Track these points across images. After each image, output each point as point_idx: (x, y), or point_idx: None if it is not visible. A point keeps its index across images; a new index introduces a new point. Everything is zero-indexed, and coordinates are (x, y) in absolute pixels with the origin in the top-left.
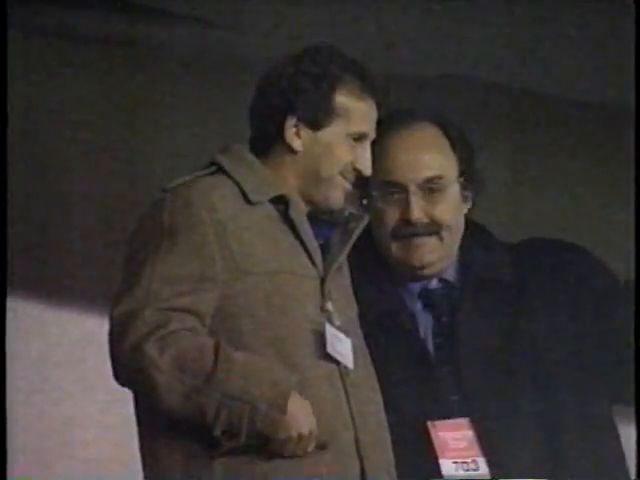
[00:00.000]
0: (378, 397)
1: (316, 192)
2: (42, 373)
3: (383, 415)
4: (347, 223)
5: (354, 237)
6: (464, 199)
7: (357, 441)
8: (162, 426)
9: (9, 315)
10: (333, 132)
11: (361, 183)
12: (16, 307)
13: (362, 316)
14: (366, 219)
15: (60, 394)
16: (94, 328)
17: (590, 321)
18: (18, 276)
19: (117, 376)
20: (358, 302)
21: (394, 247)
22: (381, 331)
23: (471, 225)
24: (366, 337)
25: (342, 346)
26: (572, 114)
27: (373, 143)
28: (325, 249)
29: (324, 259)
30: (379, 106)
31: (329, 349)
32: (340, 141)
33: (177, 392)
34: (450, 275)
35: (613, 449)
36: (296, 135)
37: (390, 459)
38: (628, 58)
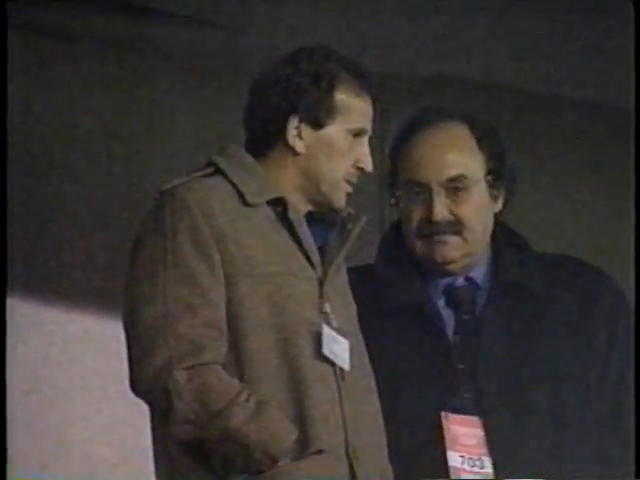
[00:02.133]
0: (374, 398)
1: (318, 193)
2: (39, 372)
3: (380, 416)
4: (345, 224)
5: (352, 238)
6: (493, 198)
7: (347, 443)
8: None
9: (8, 314)
10: (334, 130)
11: (390, 182)
12: (14, 306)
13: (387, 304)
14: (364, 220)
15: (57, 393)
16: (91, 327)
17: (608, 348)
18: (16, 276)
19: (135, 386)
20: (385, 291)
21: (418, 245)
22: (405, 321)
23: (507, 231)
24: (389, 326)
25: (338, 348)
26: (571, 115)
27: (400, 142)
28: (323, 251)
29: (322, 261)
30: (374, 102)
31: (325, 350)
32: (341, 138)
33: (188, 421)
34: (477, 275)
35: (619, 453)
36: (298, 136)
37: (385, 459)
38: (628, 58)
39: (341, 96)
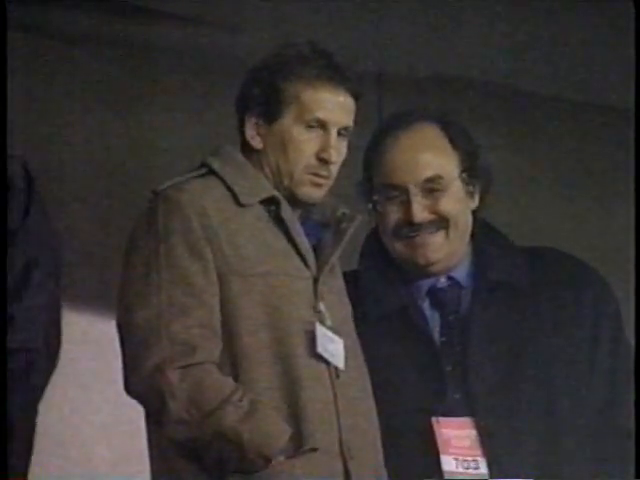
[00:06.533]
0: (369, 397)
1: (284, 187)
2: None
3: (374, 416)
4: (339, 223)
5: (346, 237)
6: (469, 195)
7: (341, 442)
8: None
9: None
10: (287, 122)
11: (366, 188)
12: None
13: (372, 311)
14: (358, 219)
15: (55, 394)
16: (89, 328)
17: (594, 339)
18: None
19: (129, 387)
20: (369, 297)
21: (398, 246)
22: (391, 326)
23: (486, 227)
24: (375, 331)
25: (333, 346)
26: (570, 115)
27: (373, 147)
28: (318, 250)
29: (317, 260)
30: (355, 95)
31: (319, 349)
32: (295, 130)
33: (182, 421)
34: (460, 274)
35: (614, 452)
36: (257, 134)
37: (379, 459)
38: (628, 58)
39: (292, 87)
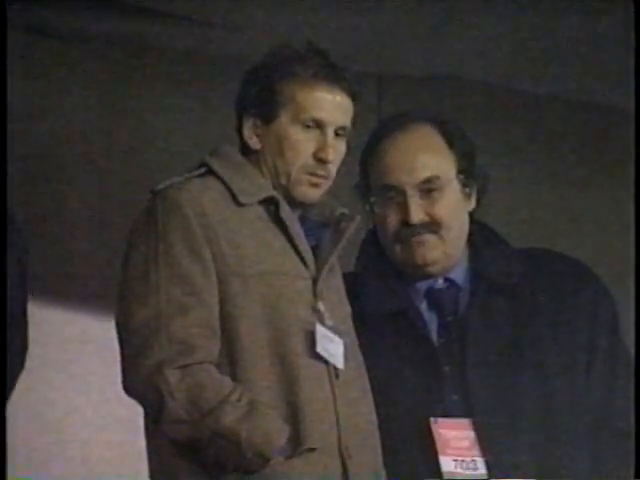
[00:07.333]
0: (368, 397)
1: (281, 187)
2: (36, 373)
3: (373, 416)
4: (338, 223)
5: (345, 237)
6: (466, 197)
7: (340, 441)
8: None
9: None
10: (283, 122)
11: (363, 189)
12: None
13: (370, 312)
14: (357, 219)
15: (53, 394)
16: (87, 328)
17: (592, 339)
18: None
19: (127, 387)
20: (367, 299)
21: (398, 249)
22: (389, 328)
23: (483, 228)
24: (374, 333)
25: (332, 346)
26: (570, 115)
27: (370, 149)
28: (317, 250)
29: (316, 260)
30: (352, 95)
31: (319, 349)
32: (292, 129)
33: (180, 421)
34: (457, 276)
35: (614, 452)
36: (255, 134)
37: (378, 459)
38: (628, 58)
39: (287, 87)
